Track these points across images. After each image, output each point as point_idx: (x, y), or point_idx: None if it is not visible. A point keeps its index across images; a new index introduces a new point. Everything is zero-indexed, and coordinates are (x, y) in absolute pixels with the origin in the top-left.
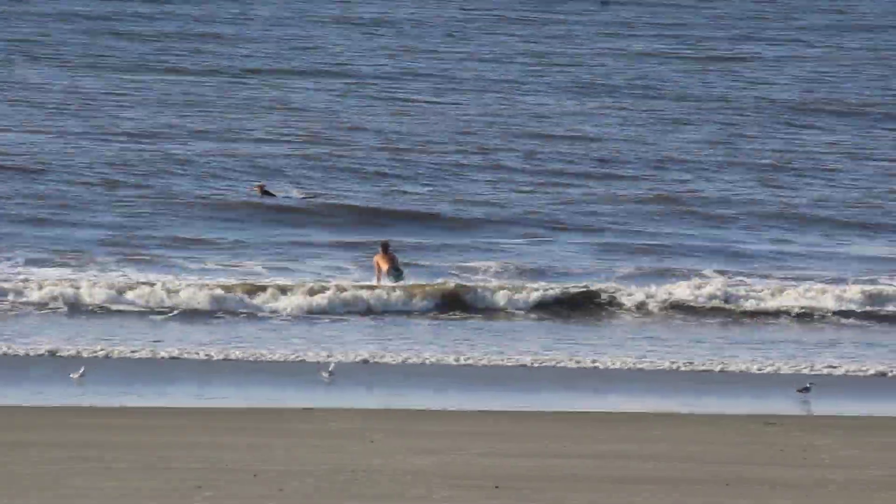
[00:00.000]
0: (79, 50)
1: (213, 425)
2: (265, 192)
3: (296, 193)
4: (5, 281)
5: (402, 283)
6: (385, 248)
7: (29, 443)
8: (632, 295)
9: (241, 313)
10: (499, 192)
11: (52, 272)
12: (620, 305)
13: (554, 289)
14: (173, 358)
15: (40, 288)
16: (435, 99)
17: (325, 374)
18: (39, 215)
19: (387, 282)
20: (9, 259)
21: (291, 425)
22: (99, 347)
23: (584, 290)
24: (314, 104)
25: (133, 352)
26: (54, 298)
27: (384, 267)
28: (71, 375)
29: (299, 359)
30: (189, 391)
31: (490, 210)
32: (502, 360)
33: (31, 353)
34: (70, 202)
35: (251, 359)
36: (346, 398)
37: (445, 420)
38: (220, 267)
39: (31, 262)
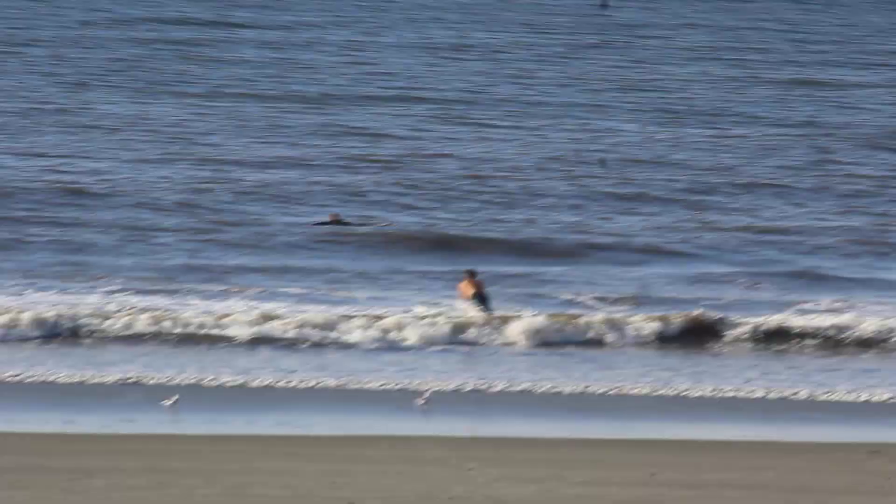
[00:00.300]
0: (153, 76)
1: (300, 453)
2: (338, 222)
3: (372, 222)
4: (98, 309)
5: (488, 311)
6: (472, 275)
7: (116, 468)
8: (736, 323)
9: (334, 343)
10: (587, 218)
11: (144, 300)
12: (724, 334)
13: (658, 317)
14: (266, 387)
15: (131, 316)
16: (517, 124)
17: (420, 402)
18: (120, 243)
19: (472, 309)
20: (96, 288)
21: (384, 453)
22: (191, 375)
23: (689, 317)
24: (393, 130)
25: (213, 379)
26: (148, 325)
27: (468, 293)
28: (162, 403)
29: (393, 386)
30: (277, 419)
31: (580, 237)
32: (600, 388)
33: (122, 381)
34: (151, 229)
35: (341, 387)
36: (442, 426)
37: (544, 448)
38: (305, 291)
39: (122, 290)
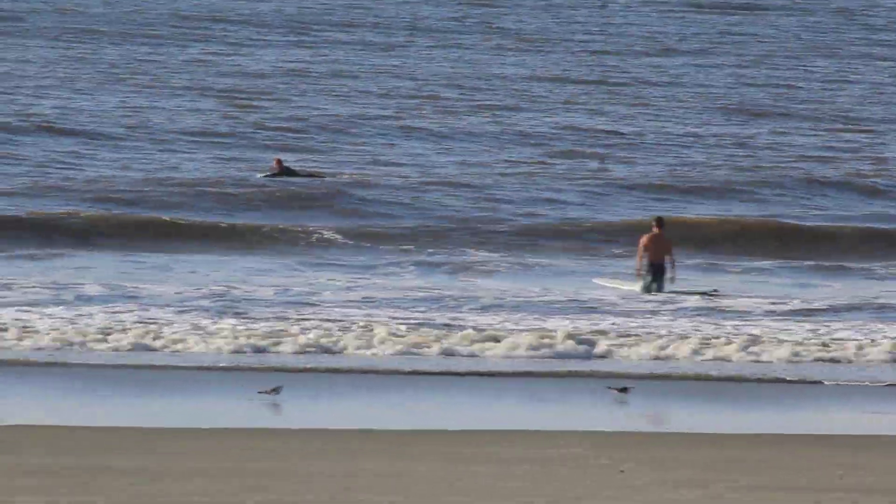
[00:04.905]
0: None
1: (412, 450)
2: (285, 169)
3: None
4: None
5: (656, 292)
6: (659, 224)
7: (197, 470)
8: None
9: None
10: None
11: None
12: None
13: None
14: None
15: None
16: None
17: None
18: None
19: (639, 282)
20: None
21: (512, 450)
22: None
23: None
24: None
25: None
26: None
27: (643, 254)
28: (261, 392)
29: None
30: (387, 410)
31: None
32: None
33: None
34: None
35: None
36: (584, 420)
37: (709, 446)
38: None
39: None
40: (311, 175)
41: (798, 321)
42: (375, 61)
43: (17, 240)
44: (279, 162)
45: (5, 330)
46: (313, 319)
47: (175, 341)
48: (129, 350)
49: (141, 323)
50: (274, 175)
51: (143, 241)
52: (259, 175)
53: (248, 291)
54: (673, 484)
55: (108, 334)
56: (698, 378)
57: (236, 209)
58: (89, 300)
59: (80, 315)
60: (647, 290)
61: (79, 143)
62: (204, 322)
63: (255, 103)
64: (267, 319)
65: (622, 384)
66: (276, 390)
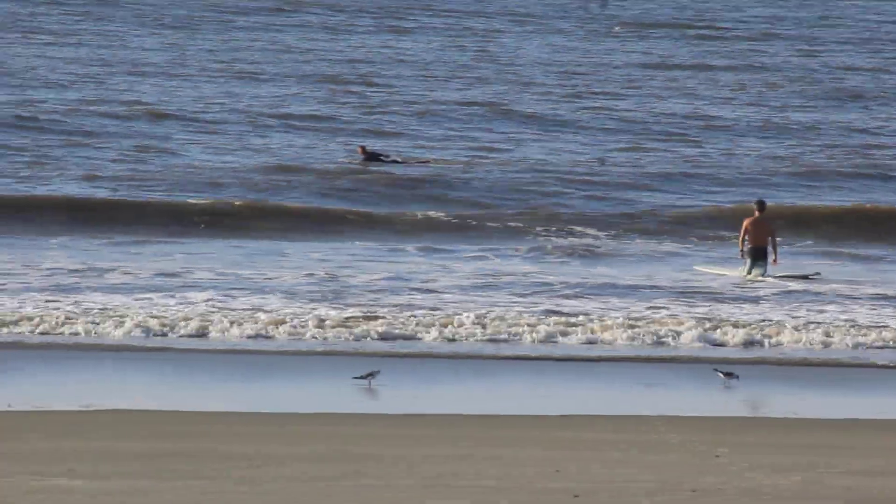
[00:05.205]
0: None
1: (517, 435)
2: (370, 155)
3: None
4: None
5: (761, 276)
6: (761, 207)
7: (303, 455)
8: None
9: None
10: None
11: None
12: None
13: None
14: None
15: None
16: None
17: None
18: None
19: (742, 267)
20: None
21: (616, 436)
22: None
23: None
24: None
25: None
26: None
27: (745, 238)
28: (356, 377)
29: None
30: (490, 395)
31: None
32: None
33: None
34: None
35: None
36: (680, 404)
37: (809, 431)
38: None
39: None
40: (396, 161)
41: None
42: (470, 47)
43: (117, 224)
44: (363, 149)
45: (116, 315)
46: (420, 306)
47: (276, 323)
48: (233, 337)
49: (247, 309)
50: (360, 162)
51: (252, 226)
52: (341, 158)
53: (355, 276)
54: (771, 468)
55: (210, 320)
56: (798, 363)
57: (335, 194)
58: (196, 286)
59: (185, 302)
60: (748, 274)
61: (179, 129)
62: (310, 307)
63: (352, 89)
64: (372, 305)
65: (728, 369)
66: (371, 375)
